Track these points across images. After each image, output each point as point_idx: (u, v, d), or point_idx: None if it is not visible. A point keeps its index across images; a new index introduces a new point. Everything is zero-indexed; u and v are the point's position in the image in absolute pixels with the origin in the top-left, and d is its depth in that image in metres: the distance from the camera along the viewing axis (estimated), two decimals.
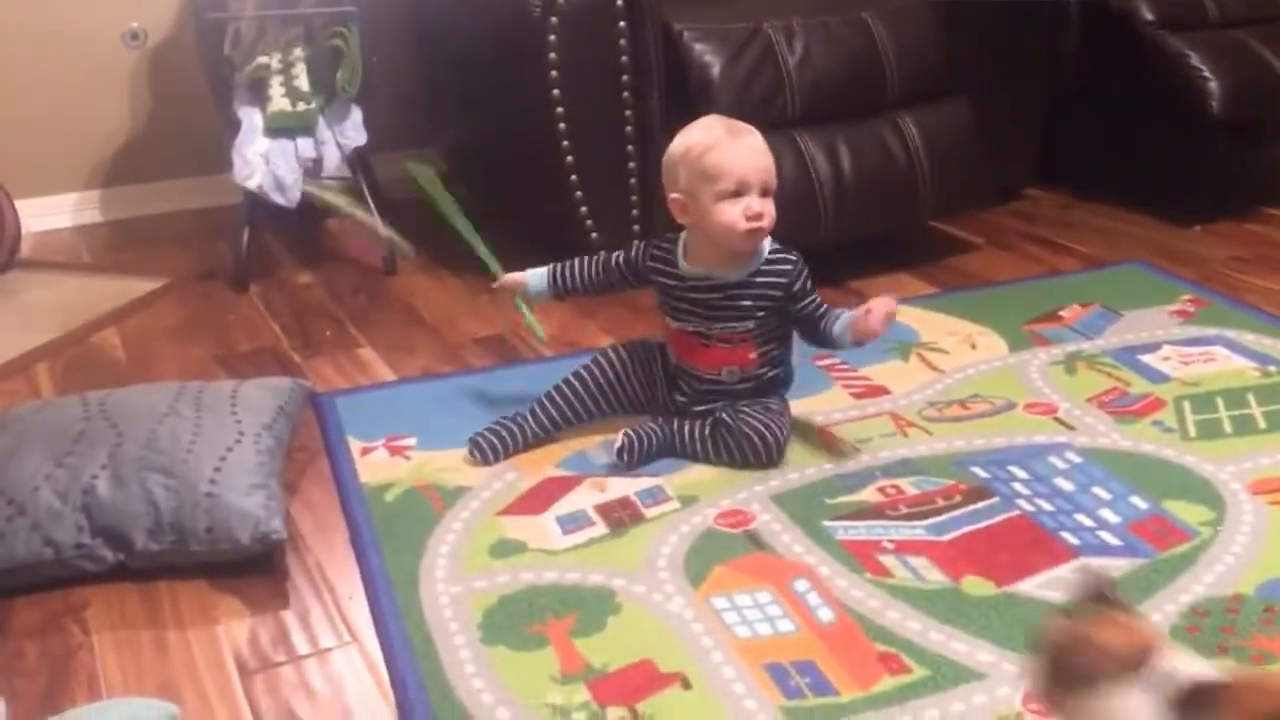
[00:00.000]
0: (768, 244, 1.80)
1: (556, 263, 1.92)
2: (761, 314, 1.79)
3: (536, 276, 1.92)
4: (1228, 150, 2.79)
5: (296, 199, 2.51)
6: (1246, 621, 1.40)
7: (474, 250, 2.05)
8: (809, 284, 1.80)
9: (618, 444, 1.77)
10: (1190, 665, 1.09)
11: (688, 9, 2.39)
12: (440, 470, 1.80)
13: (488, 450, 1.81)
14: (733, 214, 1.72)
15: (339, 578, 1.57)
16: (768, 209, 1.74)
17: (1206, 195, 2.86)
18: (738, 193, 1.72)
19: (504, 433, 1.82)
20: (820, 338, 1.81)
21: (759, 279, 1.78)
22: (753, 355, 1.80)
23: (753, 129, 1.78)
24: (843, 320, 1.77)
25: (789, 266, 1.79)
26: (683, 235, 1.83)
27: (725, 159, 1.72)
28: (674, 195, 1.78)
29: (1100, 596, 1.19)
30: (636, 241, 1.89)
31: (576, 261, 1.91)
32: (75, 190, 3.10)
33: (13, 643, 1.46)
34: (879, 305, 1.73)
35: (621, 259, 1.88)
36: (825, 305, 1.81)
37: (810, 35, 2.42)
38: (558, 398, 1.86)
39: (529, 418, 1.84)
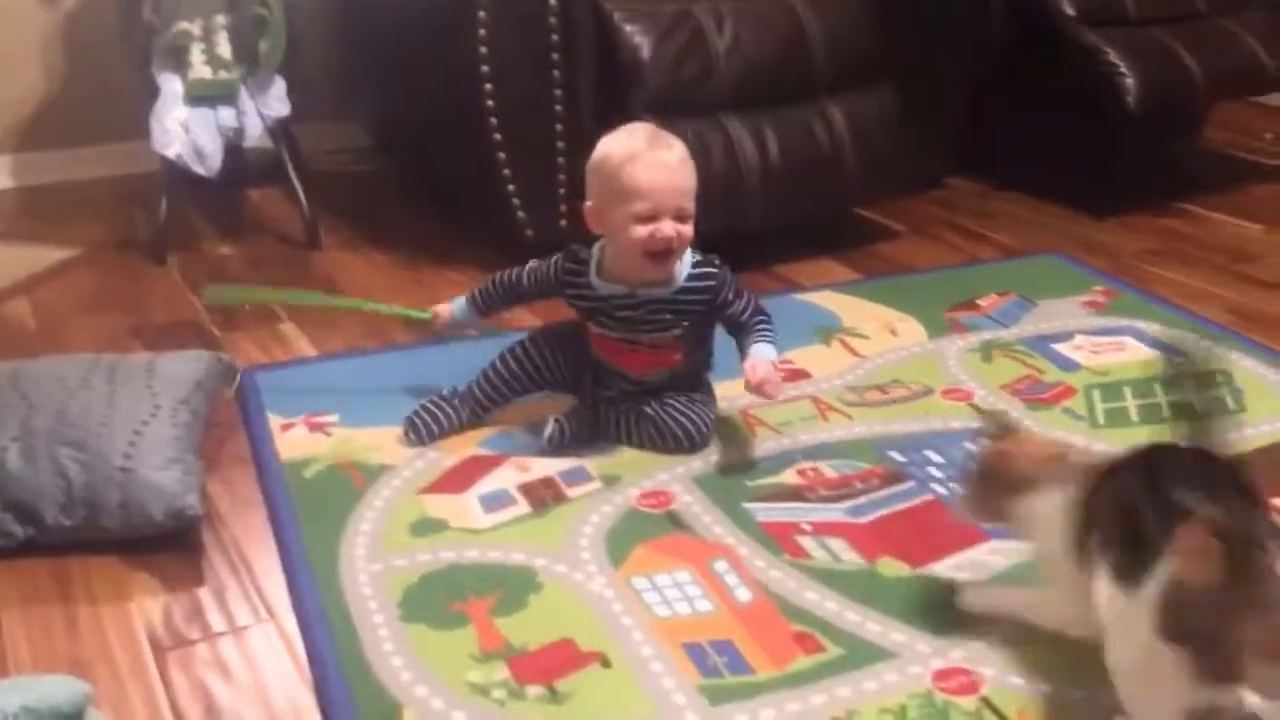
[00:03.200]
0: (690, 257, 1.76)
1: (475, 289, 1.91)
2: (687, 323, 1.77)
3: (459, 304, 1.92)
4: (1142, 145, 2.85)
5: (216, 168, 2.47)
6: None
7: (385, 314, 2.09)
8: (733, 292, 1.76)
9: (547, 431, 1.76)
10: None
11: None
12: (362, 448, 1.78)
13: (423, 430, 1.79)
14: (640, 234, 1.67)
15: (256, 555, 1.55)
16: (682, 232, 1.68)
17: (1121, 188, 2.93)
18: (650, 216, 1.67)
19: (439, 414, 1.80)
20: (739, 343, 1.79)
21: (682, 295, 1.75)
22: (679, 356, 1.80)
23: (676, 143, 1.71)
24: (747, 356, 1.74)
25: (712, 282, 1.75)
26: (596, 247, 1.78)
27: (639, 178, 1.66)
28: (589, 204, 1.74)
29: (1006, 426, 1.42)
30: (550, 258, 1.83)
31: (491, 282, 1.90)
32: None
33: None
34: (758, 378, 1.70)
35: (532, 278, 1.85)
36: (750, 311, 1.77)
37: (739, 18, 2.43)
38: (493, 377, 1.84)
39: (464, 401, 1.83)
